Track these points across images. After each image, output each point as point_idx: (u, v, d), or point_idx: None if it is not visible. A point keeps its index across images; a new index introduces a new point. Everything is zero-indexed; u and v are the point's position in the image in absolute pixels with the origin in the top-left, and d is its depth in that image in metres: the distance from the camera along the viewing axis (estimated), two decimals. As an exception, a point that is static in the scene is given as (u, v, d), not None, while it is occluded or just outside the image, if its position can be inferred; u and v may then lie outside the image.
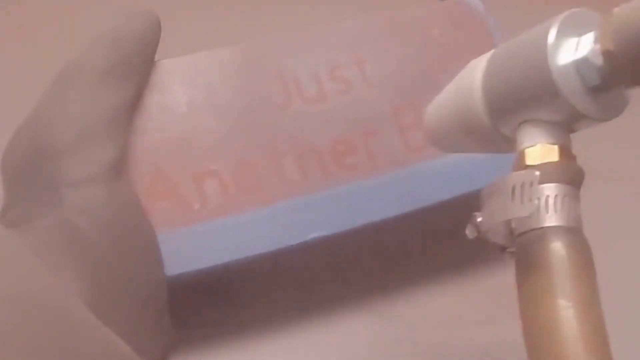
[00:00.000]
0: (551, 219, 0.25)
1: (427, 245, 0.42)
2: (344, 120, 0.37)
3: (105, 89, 0.32)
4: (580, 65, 0.25)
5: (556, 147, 0.26)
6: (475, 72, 0.29)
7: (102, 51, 0.33)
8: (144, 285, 0.31)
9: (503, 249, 0.27)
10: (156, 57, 0.35)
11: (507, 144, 0.28)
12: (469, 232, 0.27)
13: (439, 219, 0.38)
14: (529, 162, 0.26)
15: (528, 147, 0.27)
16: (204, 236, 0.34)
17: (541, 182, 0.25)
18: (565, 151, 0.27)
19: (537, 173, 0.25)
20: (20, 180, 0.32)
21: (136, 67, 0.34)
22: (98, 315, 0.22)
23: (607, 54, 0.25)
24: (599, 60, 0.25)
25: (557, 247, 0.25)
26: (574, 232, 0.25)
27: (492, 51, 0.29)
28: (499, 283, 0.39)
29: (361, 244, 0.40)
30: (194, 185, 0.34)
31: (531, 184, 0.25)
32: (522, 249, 0.26)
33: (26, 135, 0.32)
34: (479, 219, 0.27)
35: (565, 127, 0.27)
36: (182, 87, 0.35)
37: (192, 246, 0.34)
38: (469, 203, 0.35)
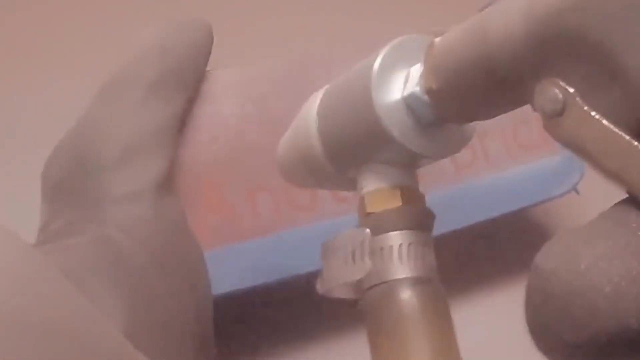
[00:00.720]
0: (398, 271, 0.23)
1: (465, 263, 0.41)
2: None
3: (153, 100, 0.31)
4: (409, 101, 0.23)
5: (398, 190, 0.24)
6: (311, 109, 0.26)
7: (150, 61, 0.32)
8: (188, 310, 0.30)
9: (355, 303, 0.25)
10: (208, 67, 0.34)
11: (351, 184, 0.26)
12: (318, 288, 0.25)
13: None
14: (369, 209, 0.24)
15: (368, 193, 0.25)
16: (255, 253, 0.33)
17: (383, 232, 0.23)
18: (409, 193, 0.24)
19: (368, 230, 0.23)
20: (61, 194, 0.30)
21: (186, 77, 0.33)
22: (136, 344, 0.20)
23: (430, 92, 0.22)
24: (426, 97, 0.23)
25: (407, 300, 0.23)
26: (425, 282, 0.23)
27: (326, 86, 0.27)
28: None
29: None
30: (246, 200, 0.33)
31: (362, 243, 0.23)
32: (370, 305, 0.24)
33: (69, 148, 0.31)
34: (321, 277, 0.25)
35: (406, 166, 0.25)
36: (234, 99, 0.35)
37: (243, 263, 0.33)
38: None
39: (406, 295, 0.23)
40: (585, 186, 0.39)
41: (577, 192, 0.39)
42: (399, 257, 0.23)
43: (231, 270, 0.33)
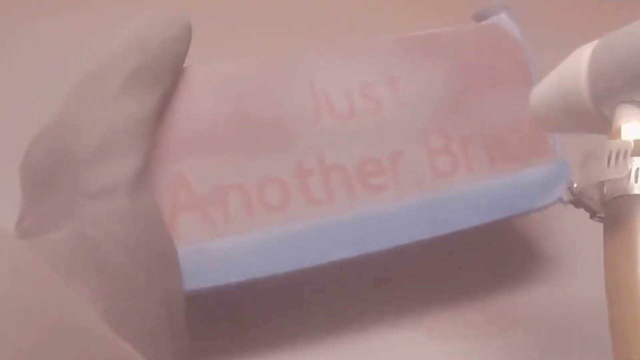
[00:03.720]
0: (639, 188, 0.28)
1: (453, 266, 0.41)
2: (373, 140, 0.36)
3: (129, 95, 0.31)
4: None
5: None
6: (581, 57, 0.32)
7: (127, 55, 0.32)
8: (162, 301, 0.30)
9: (593, 213, 0.30)
10: (186, 63, 0.34)
11: (604, 124, 0.32)
12: (565, 196, 0.31)
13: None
14: (624, 137, 0.30)
15: (624, 124, 0.30)
16: (225, 252, 0.33)
17: (634, 155, 0.29)
18: None
19: (632, 142, 0.28)
20: (38, 187, 0.30)
21: (163, 72, 0.33)
22: (115, 331, 0.22)
23: None
24: None
25: None
26: None
27: (597, 41, 0.32)
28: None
29: (385, 266, 0.40)
30: (218, 199, 0.34)
31: (626, 152, 0.28)
32: (610, 214, 0.29)
33: (46, 141, 0.31)
34: (575, 184, 0.30)
35: None
36: (211, 96, 0.34)
37: (212, 262, 0.33)
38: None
39: None
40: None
41: (563, 202, 0.39)
42: None
43: (201, 268, 0.33)
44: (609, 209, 0.29)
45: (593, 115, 0.32)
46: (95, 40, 0.35)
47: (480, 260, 0.41)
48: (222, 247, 0.33)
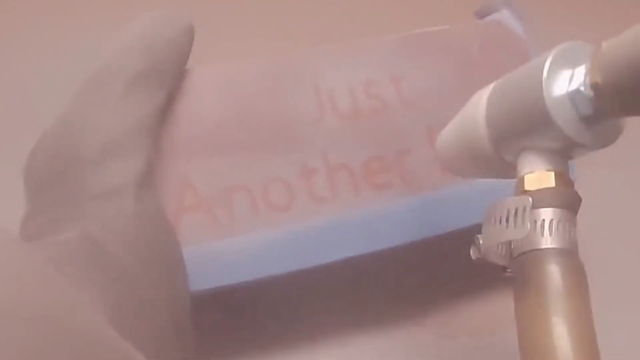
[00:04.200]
0: (547, 242, 0.27)
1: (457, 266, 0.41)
2: (378, 138, 0.36)
3: (133, 96, 0.31)
4: (573, 96, 0.27)
5: (552, 173, 0.28)
6: (480, 102, 0.30)
7: (131, 57, 0.32)
8: (167, 301, 0.30)
9: (503, 269, 0.29)
10: (189, 65, 0.34)
11: (509, 170, 0.30)
12: (472, 253, 0.29)
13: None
14: (527, 187, 0.28)
15: (527, 174, 0.28)
16: (230, 252, 0.33)
17: (538, 207, 0.27)
18: (562, 178, 0.28)
19: (530, 199, 0.27)
20: (42, 189, 0.30)
21: (166, 73, 0.33)
22: (120, 332, 0.21)
23: (595, 87, 0.26)
24: (590, 92, 0.26)
25: (552, 268, 0.27)
26: (568, 254, 0.27)
27: (494, 83, 0.30)
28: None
29: (390, 264, 0.40)
30: (223, 199, 0.33)
31: (524, 209, 0.27)
32: (520, 270, 0.28)
33: (51, 142, 0.31)
34: (480, 241, 0.29)
35: (562, 154, 0.28)
36: (215, 97, 0.35)
37: (218, 262, 0.33)
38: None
39: (552, 263, 0.27)
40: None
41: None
42: (549, 230, 0.27)
43: (206, 268, 0.33)
44: (517, 265, 0.28)
45: (497, 162, 0.30)
46: (97, 40, 0.35)
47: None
48: (227, 247, 0.33)
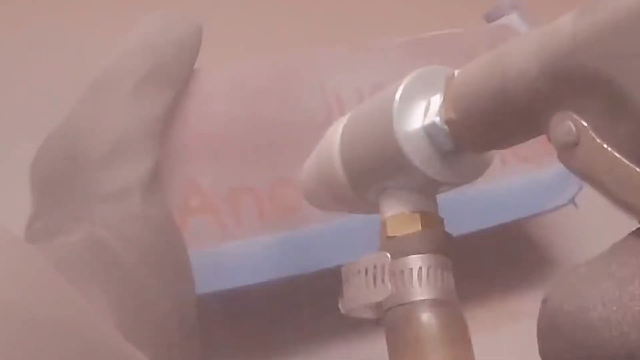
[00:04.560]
0: (417, 293, 0.24)
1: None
2: None
3: (141, 97, 0.31)
4: (429, 130, 0.24)
5: (418, 215, 0.25)
6: (334, 137, 0.27)
7: (138, 57, 0.31)
8: (174, 304, 0.30)
9: (376, 322, 0.26)
10: (196, 65, 0.34)
11: (373, 208, 0.27)
12: (340, 307, 0.26)
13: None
14: (390, 232, 0.25)
15: (389, 217, 0.25)
16: (237, 255, 0.33)
17: (405, 254, 0.24)
18: (429, 218, 0.25)
19: (388, 255, 0.24)
20: (49, 190, 0.30)
21: (174, 75, 0.32)
22: (126, 336, 0.21)
23: (450, 122, 0.23)
24: (445, 126, 0.23)
25: (426, 321, 0.24)
26: (443, 304, 0.24)
27: (349, 114, 0.27)
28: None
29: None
30: (229, 202, 0.33)
31: (383, 267, 0.24)
32: (391, 326, 0.25)
33: (58, 143, 0.31)
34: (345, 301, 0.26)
35: (425, 192, 0.25)
36: (223, 98, 0.34)
37: (224, 265, 0.32)
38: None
39: (425, 316, 0.24)
40: (584, 199, 0.38)
41: (575, 205, 0.38)
42: (419, 279, 0.24)
43: (212, 271, 0.32)
44: (388, 321, 0.25)
45: (359, 202, 0.27)
46: (104, 40, 0.35)
47: (491, 262, 0.41)
48: (233, 250, 0.33)
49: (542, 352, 0.19)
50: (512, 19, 0.40)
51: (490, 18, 0.41)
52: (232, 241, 0.33)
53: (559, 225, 0.42)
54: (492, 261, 0.40)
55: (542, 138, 0.38)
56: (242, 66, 0.35)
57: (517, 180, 0.37)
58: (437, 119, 0.23)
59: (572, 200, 0.38)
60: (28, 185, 0.31)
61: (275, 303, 0.37)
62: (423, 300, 0.24)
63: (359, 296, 0.25)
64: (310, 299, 0.37)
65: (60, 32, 0.49)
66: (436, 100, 0.24)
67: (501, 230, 0.37)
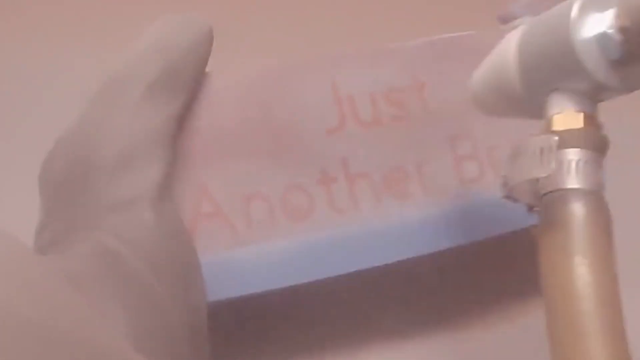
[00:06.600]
0: (572, 181, 0.27)
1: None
2: (399, 146, 0.35)
3: (150, 103, 0.30)
4: (601, 39, 0.27)
5: (581, 114, 0.28)
6: (510, 43, 0.30)
7: (148, 61, 0.31)
8: (184, 311, 0.29)
9: (530, 208, 0.29)
10: (208, 68, 0.33)
11: (538, 111, 0.30)
12: (500, 191, 0.30)
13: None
14: (554, 127, 0.28)
15: (555, 114, 0.28)
16: (248, 262, 0.32)
17: (565, 147, 0.28)
18: (590, 119, 0.28)
19: (557, 138, 0.28)
20: (58, 199, 0.30)
21: (185, 79, 0.32)
22: (138, 349, 0.21)
23: (624, 30, 0.26)
24: (618, 36, 0.26)
25: (576, 208, 0.27)
26: (593, 195, 0.27)
27: (525, 25, 0.30)
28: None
29: (408, 274, 0.38)
30: (241, 207, 0.33)
31: (550, 148, 0.28)
32: (545, 209, 0.28)
33: (66, 150, 0.30)
34: (508, 179, 0.30)
35: (591, 96, 0.28)
36: (234, 102, 0.34)
37: (234, 272, 0.32)
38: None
39: (577, 202, 0.27)
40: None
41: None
42: (575, 170, 0.27)
43: (223, 278, 0.32)
44: (543, 204, 0.28)
45: (527, 102, 0.31)
46: (112, 43, 0.36)
47: (496, 267, 0.41)
48: (244, 256, 0.32)
49: None
50: (526, 21, 0.40)
51: (503, 20, 0.41)
52: (243, 247, 0.32)
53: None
54: (492, 261, 0.40)
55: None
56: (253, 69, 0.35)
57: None
58: (611, 29, 0.26)
59: None
60: (29, 189, 0.31)
61: (288, 311, 0.38)
62: (577, 189, 0.27)
63: (524, 172, 0.28)
64: (323, 308, 0.38)
65: (70, 34, 0.49)
66: (609, 14, 0.27)
67: (514, 237, 0.37)
